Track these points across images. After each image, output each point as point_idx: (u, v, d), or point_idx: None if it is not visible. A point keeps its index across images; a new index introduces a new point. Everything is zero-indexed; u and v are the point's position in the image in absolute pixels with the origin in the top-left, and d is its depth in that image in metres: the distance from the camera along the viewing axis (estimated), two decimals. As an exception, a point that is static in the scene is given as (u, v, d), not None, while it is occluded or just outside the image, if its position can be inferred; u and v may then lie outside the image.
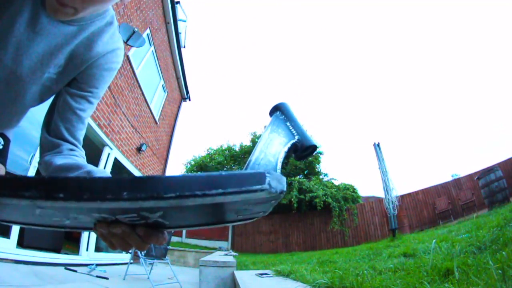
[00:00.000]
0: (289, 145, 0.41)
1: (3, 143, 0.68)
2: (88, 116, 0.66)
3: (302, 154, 0.44)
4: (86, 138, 4.61)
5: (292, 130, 0.44)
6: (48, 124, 0.62)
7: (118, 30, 0.63)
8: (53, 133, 0.61)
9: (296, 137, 0.43)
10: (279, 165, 0.35)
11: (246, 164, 0.34)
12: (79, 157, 0.59)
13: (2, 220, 0.35)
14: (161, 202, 0.25)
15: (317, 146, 0.46)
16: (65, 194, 0.24)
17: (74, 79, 0.61)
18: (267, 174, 0.27)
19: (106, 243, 0.35)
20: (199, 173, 0.28)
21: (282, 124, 0.45)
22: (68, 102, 0.61)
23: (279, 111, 0.47)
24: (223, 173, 0.26)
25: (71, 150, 0.60)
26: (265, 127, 0.44)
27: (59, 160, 0.54)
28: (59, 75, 0.58)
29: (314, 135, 19.26)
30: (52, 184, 0.24)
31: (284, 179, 0.28)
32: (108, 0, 0.50)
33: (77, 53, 0.58)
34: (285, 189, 0.28)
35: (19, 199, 0.24)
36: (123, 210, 0.27)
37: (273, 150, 0.38)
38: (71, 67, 0.59)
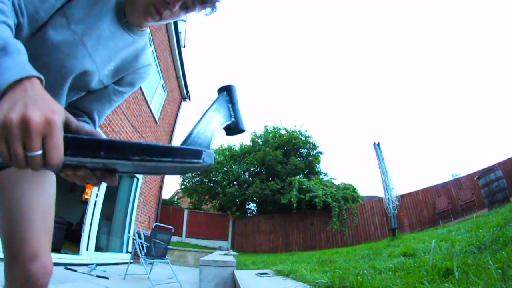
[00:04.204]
0: (224, 125, 0.49)
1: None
2: (116, 105, 0.83)
3: (231, 133, 0.52)
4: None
5: (231, 112, 0.51)
6: (81, 99, 0.76)
7: None
8: (81, 106, 0.75)
9: (232, 119, 0.51)
10: (213, 141, 0.44)
11: (188, 134, 0.42)
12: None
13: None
14: (127, 162, 0.35)
15: (245, 130, 0.52)
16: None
17: (120, 78, 0.79)
18: (203, 152, 0.37)
19: (67, 178, 0.43)
20: (155, 142, 0.44)
21: (225, 105, 0.51)
22: (109, 93, 0.78)
23: (226, 92, 0.53)
24: (173, 145, 0.37)
25: (86, 122, 0.75)
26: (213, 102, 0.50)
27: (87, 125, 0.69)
28: (112, 72, 0.75)
29: (314, 135, 19.22)
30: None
31: (213, 155, 0.40)
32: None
33: (127, 59, 0.76)
34: (213, 163, 0.39)
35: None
36: (95, 162, 0.36)
37: (211, 127, 0.46)
38: (121, 69, 0.76)
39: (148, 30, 0.82)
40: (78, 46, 0.64)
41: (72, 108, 0.75)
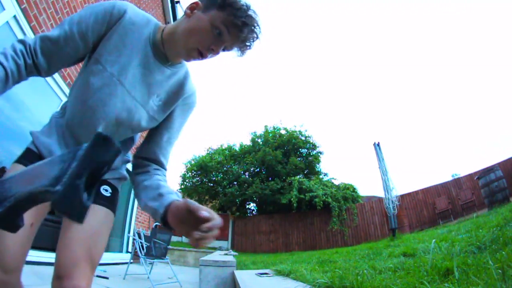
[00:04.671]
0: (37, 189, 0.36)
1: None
2: (175, 141, 0.86)
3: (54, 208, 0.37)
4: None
5: (66, 177, 0.36)
6: (144, 149, 0.82)
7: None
8: (146, 155, 0.81)
9: (57, 188, 0.35)
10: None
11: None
12: (161, 175, 0.79)
13: None
14: None
15: (77, 219, 0.38)
16: None
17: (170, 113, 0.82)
18: None
19: None
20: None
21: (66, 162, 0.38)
22: (163, 134, 0.81)
23: (94, 143, 0.39)
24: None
25: (156, 169, 0.80)
26: None
27: (147, 181, 0.76)
28: (161, 106, 0.78)
29: (314, 135, 19.22)
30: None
31: None
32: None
33: (172, 91, 0.78)
34: None
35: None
36: None
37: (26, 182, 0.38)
38: (168, 101, 0.78)
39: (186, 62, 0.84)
40: (116, 86, 0.71)
41: (139, 159, 0.81)
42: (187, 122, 0.86)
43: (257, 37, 0.71)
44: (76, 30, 0.67)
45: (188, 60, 0.74)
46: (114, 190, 0.83)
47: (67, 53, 0.69)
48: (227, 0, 0.67)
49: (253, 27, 0.69)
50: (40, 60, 0.66)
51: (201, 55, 0.70)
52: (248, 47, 0.72)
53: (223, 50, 0.73)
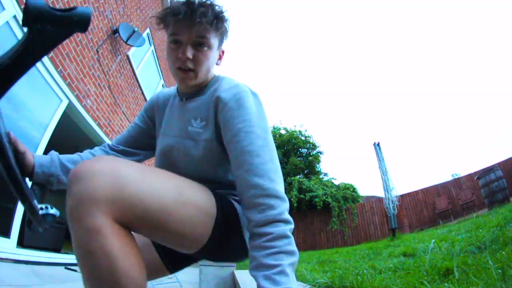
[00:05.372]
0: None
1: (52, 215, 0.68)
2: (237, 156, 0.68)
3: None
4: (86, 137, 4.53)
5: None
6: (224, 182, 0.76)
7: (230, 103, 0.69)
8: (233, 185, 0.73)
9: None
10: None
11: None
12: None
13: None
14: None
15: None
16: None
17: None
18: None
19: None
20: None
21: None
22: (217, 154, 0.71)
23: None
24: None
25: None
26: None
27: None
28: (205, 124, 0.72)
29: (314, 135, 19.21)
30: None
31: None
32: (200, 82, 0.74)
33: (208, 109, 0.72)
34: None
35: None
36: None
37: None
38: (208, 118, 0.72)
39: (219, 86, 0.75)
40: (159, 138, 0.80)
41: (231, 195, 0.72)
42: (234, 130, 0.67)
43: (204, 3, 0.66)
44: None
45: (186, 83, 0.71)
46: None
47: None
48: (164, 14, 0.69)
49: (189, 1, 0.65)
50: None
51: (184, 71, 0.69)
52: (208, 17, 0.66)
53: (202, 45, 0.68)
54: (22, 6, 2.51)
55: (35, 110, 3.02)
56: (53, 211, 0.64)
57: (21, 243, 2.82)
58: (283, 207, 0.59)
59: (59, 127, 3.20)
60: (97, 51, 3.87)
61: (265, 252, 0.53)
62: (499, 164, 8.04)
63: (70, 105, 3.40)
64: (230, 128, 0.65)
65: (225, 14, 0.70)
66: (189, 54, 0.67)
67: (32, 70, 2.98)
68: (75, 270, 3.09)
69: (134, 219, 0.50)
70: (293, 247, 0.56)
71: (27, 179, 0.67)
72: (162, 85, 7.24)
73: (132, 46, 4.63)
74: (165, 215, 0.53)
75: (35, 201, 0.60)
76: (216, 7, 0.68)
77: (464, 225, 4.32)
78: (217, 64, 0.77)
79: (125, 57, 4.81)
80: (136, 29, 4.52)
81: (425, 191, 10.31)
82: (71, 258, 3.71)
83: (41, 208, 0.62)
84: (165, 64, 7.35)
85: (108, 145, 0.87)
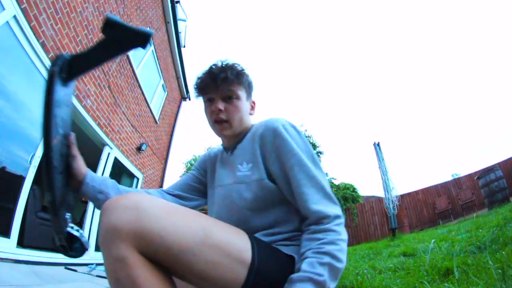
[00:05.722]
0: None
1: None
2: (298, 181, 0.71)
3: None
4: (86, 137, 4.53)
5: None
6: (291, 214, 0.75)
7: (265, 139, 0.75)
8: (301, 214, 0.72)
9: None
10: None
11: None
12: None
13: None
14: None
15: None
16: None
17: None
18: None
19: None
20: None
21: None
22: (276, 190, 0.72)
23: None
24: None
25: (318, 225, 0.68)
26: None
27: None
28: (252, 166, 0.75)
29: (314, 135, 19.24)
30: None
31: None
32: (240, 119, 0.80)
33: (251, 150, 0.77)
34: None
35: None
36: None
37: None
38: (254, 158, 0.75)
39: (254, 130, 0.81)
40: (212, 190, 0.86)
41: (285, 241, 0.70)
42: (291, 166, 0.68)
43: (225, 67, 0.78)
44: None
45: (224, 134, 0.80)
46: None
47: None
48: (197, 84, 0.83)
49: (213, 68, 0.78)
50: None
51: (219, 123, 0.78)
52: (230, 77, 0.77)
53: (229, 99, 0.78)
54: (23, 6, 2.52)
55: (35, 110, 3.02)
56: (84, 239, 0.59)
57: (21, 243, 2.82)
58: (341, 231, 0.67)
59: (59, 127, 3.20)
60: (97, 51, 3.87)
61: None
62: (499, 164, 8.04)
63: (70, 105, 3.39)
64: (278, 163, 0.70)
65: (245, 70, 0.81)
66: (221, 106, 0.77)
67: (32, 70, 2.95)
68: (75, 270, 3.09)
69: (156, 254, 0.51)
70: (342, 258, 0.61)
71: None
72: (163, 85, 7.22)
73: (132, 46, 4.62)
74: (188, 255, 0.52)
75: (68, 215, 0.57)
76: (236, 66, 0.79)
77: (464, 225, 4.32)
78: (250, 114, 0.86)
79: (125, 57, 4.81)
80: (136, 29, 4.51)
81: (425, 191, 10.31)
82: (71, 258, 3.72)
83: (71, 227, 0.58)
84: (165, 64, 7.35)
85: (164, 190, 0.93)
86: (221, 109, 0.77)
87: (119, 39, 0.55)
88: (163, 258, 0.51)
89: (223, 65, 0.79)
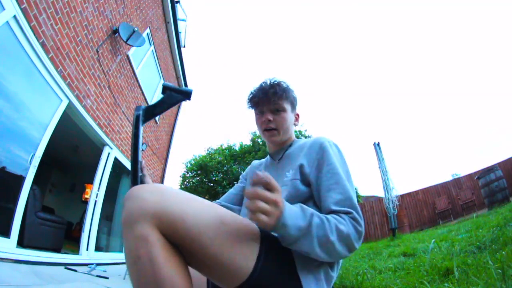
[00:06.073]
0: None
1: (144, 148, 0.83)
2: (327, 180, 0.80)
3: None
4: (86, 137, 4.52)
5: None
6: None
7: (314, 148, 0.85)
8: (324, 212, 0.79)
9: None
10: None
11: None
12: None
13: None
14: None
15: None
16: None
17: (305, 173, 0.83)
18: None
19: None
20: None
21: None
22: (309, 194, 0.81)
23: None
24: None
25: (338, 218, 0.74)
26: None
27: None
28: (294, 172, 0.83)
29: (314, 135, 19.23)
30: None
31: None
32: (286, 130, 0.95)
33: (297, 156, 0.87)
34: None
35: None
36: None
37: None
38: (295, 164, 0.85)
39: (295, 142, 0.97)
40: None
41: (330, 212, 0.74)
42: (326, 173, 0.78)
43: (273, 84, 0.92)
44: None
45: (273, 142, 0.94)
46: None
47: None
48: (250, 99, 0.96)
49: (264, 85, 0.93)
50: None
51: (269, 131, 0.92)
52: (278, 92, 0.90)
53: (277, 111, 0.92)
54: (23, 6, 2.52)
55: (35, 110, 3.02)
56: None
57: (21, 243, 2.82)
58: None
59: (59, 127, 3.20)
60: (97, 51, 3.87)
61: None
62: (499, 164, 8.04)
63: (70, 105, 3.39)
64: (317, 171, 0.80)
65: (290, 86, 0.95)
66: (270, 117, 0.91)
67: (32, 70, 2.94)
68: (75, 270, 3.09)
69: (176, 234, 0.55)
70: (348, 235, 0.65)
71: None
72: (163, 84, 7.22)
73: (132, 46, 4.62)
74: (205, 238, 0.57)
75: None
76: (282, 83, 0.93)
77: (464, 225, 4.32)
78: (295, 124, 0.99)
79: (125, 57, 4.81)
80: (136, 29, 4.52)
81: (425, 191, 10.30)
82: (71, 258, 3.71)
83: None
84: (165, 64, 7.35)
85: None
86: (270, 120, 0.91)
87: (173, 96, 0.81)
88: (182, 239, 0.56)
89: (272, 83, 0.93)
